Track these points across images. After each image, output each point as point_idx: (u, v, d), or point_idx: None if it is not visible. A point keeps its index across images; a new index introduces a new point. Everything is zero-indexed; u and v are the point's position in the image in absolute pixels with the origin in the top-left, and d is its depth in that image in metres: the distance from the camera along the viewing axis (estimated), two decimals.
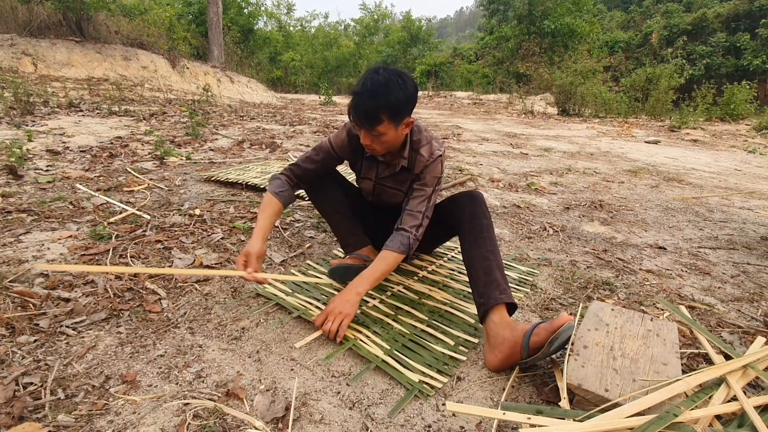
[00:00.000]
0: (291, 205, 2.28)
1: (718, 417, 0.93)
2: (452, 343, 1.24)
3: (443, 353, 1.19)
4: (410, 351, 1.20)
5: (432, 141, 1.40)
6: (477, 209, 1.33)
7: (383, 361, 1.14)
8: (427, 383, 1.08)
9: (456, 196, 1.42)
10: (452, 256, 1.84)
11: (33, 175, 2.47)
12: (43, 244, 1.65)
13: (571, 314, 1.37)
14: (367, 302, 1.42)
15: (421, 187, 1.38)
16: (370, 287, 1.30)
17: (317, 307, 1.36)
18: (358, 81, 1.26)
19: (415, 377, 1.09)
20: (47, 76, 6.62)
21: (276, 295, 1.42)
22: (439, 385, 1.07)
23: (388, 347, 1.20)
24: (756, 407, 0.92)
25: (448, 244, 1.93)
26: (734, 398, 0.95)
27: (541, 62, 14.58)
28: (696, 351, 1.25)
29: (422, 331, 1.29)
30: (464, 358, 1.18)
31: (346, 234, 1.60)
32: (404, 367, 1.12)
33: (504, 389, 1.08)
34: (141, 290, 1.41)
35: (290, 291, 1.46)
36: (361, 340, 1.22)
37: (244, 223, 2.04)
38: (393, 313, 1.37)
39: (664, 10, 18.99)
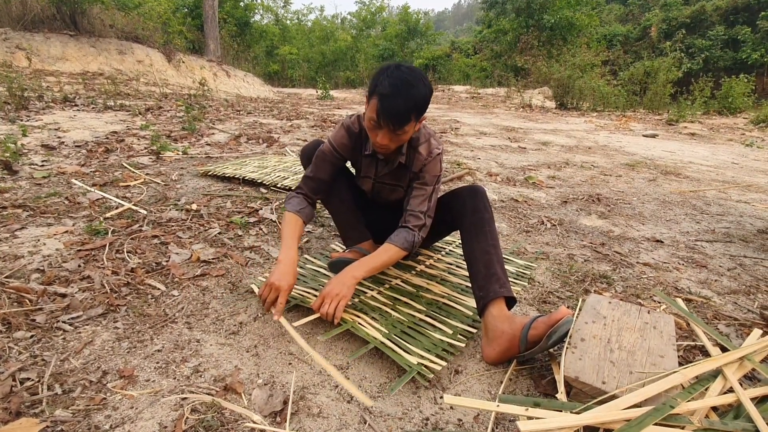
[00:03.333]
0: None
1: (714, 408, 0.93)
2: (450, 331, 1.24)
3: (442, 340, 1.20)
4: (409, 337, 1.20)
5: (430, 138, 1.39)
6: (479, 203, 1.33)
7: (381, 342, 1.14)
8: (425, 365, 1.08)
9: (458, 190, 1.42)
10: (450, 251, 1.84)
11: (28, 171, 2.45)
12: (38, 240, 1.64)
13: (568, 307, 1.37)
14: (365, 293, 1.41)
15: (421, 186, 1.38)
16: (367, 274, 1.29)
17: (314, 296, 1.36)
18: (377, 81, 1.19)
19: (414, 360, 1.09)
20: (41, 70, 6.55)
21: None
22: (438, 368, 1.07)
23: (387, 332, 1.20)
24: (752, 399, 0.93)
25: (446, 238, 1.93)
26: (730, 390, 0.96)
27: (540, 56, 14.53)
28: (693, 343, 1.26)
29: (420, 320, 1.29)
30: (463, 345, 1.19)
31: (349, 227, 1.59)
32: (403, 350, 1.13)
33: (502, 382, 1.08)
34: (138, 285, 1.41)
35: None
36: (359, 323, 1.22)
37: (242, 217, 2.03)
38: (391, 303, 1.37)
39: (663, 2, 18.89)
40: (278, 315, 1.21)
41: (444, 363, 1.09)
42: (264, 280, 1.47)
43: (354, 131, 1.41)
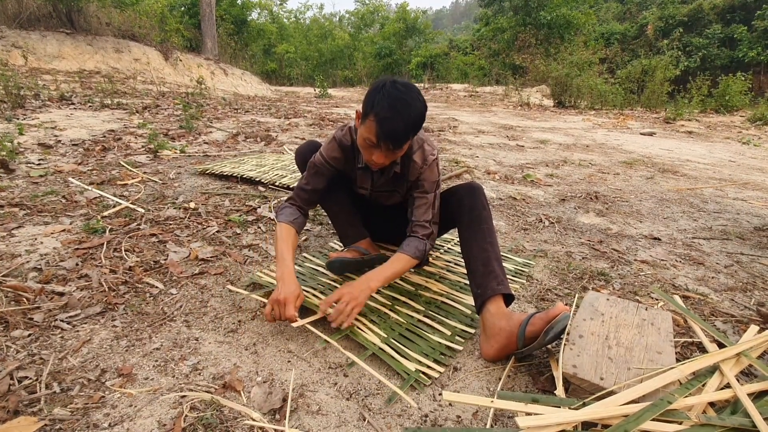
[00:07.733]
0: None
1: (711, 404, 0.94)
2: (449, 333, 1.24)
3: (440, 343, 1.20)
4: (407, 340, 1.20)
5: (424, 144, 1.37)
6: (476, 201, 1.33)
7: (380, 349, 1.14)
8: (423, 372, 1.08)
9: (456, 187, 1.41)
10: (448, 248, 1.84)
11: (25, 169, 2.44)
12: (35, 239, 1.64)
13: (566, 304, 1.38)
14: None
15: (422, 195, 1.37)
16: (382, 284, 1.29)
17: (315, 295, 1.36)
18: (374, 100, 1.16)
19: (412, 366, 1.09)
20: (38, 68, 6.52)
21: (273, 283, 1.41)
22: (436, 375, 1.08)
23: (385, 335, 1.20)
24: (749, 394, 0.93)
25: (444, 236, 1.93)
26: (727, 386, 0.97)
27: (537, 54, 14.52)
28: (690, 340, 1.26)
29: (419, 321, 1.30)
30: (461, 348, 1.19)
31: (346, 226, 1.59)
32: (401, 355, 1.13)
33: (500, 379, 1.09)
34: (136, 284, 1.40)
35: None
36: (358, 327, 1.22)
37: (240, 216, 2.03)
38: (390, 303, 1.37)
39: (660, 1, 18.91)
40: (296, 320, 1.17)
41: (442, 369, 1.10)
42: (261, 275, 1.47)
43: (346, 144, 1.38)
